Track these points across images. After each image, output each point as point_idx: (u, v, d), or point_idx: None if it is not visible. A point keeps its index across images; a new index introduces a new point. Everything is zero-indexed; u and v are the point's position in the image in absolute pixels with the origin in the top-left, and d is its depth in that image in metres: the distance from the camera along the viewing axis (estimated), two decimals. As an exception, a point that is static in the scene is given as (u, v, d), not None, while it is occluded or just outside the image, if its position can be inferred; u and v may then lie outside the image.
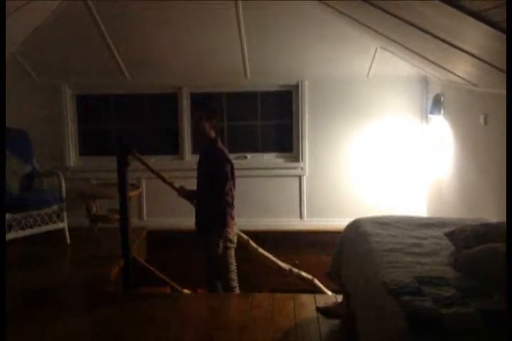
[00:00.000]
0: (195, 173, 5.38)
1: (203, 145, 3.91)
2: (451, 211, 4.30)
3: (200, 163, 3.87)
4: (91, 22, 4.49)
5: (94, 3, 4.34)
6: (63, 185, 4.67)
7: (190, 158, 5.40)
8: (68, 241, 4.69)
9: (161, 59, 4.95)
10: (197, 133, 4.03)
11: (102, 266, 3.98)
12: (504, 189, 3.30)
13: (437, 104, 4.54)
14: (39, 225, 4.54)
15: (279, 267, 4.38)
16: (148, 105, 5.49)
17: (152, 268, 4.30)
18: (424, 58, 4.07)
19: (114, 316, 3.32)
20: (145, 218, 5.35)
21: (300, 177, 5.29)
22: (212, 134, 3.69)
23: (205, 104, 4.10)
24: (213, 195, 3.64)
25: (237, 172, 5.31)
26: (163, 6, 4.33)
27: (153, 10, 4.38)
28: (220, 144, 3.73)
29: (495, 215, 3.34)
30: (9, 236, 4.32)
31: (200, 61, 4.99)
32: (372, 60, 4.87)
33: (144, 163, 4.23)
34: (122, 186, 4.10)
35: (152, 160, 4.93)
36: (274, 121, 5.48)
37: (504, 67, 2.75)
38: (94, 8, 4.38)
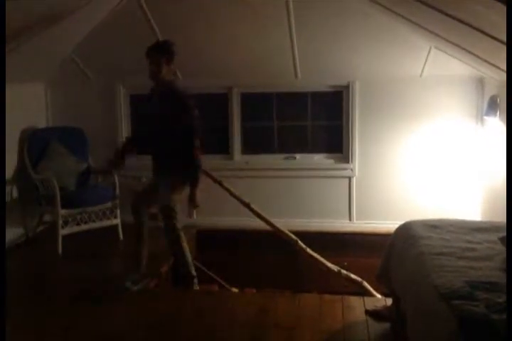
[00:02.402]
0: (244, 173, 5.48)
1: (156, 93, 3.75)
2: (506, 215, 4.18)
3: (151, 118, 3.74)
4: (145, 23, 4.59)
5: (149, 5, 4.44)
6: (117, 182, 4.80)
7: (240, 158, 5.45)
8: (121, 237, 4.81)
9: (212, 59, 5.01)
10: (154, 78, 3.67)
11: (153, 263, 4.06)
12: None
13: (493, 105, 4.42)
14: (93, 221, 4.68)
15: (328, 268, 4.36)
16: (199, 104, 5.54)
17: (201, 266, 4.36)
18: (480, 58, 3.98)
19: (163, 312, 3.39)
20: (195, 216, 5.42)
21: (350, 178, 5.25)
22: (172, 77, 3.74)
23: (162, 46, 3.69)
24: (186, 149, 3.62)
25: (286, 173, 5.38)
26: (215, 6, 4.38)
27: (205, 11, 4.45)
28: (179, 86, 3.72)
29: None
30: (64, 231, 4.49)
31: (251, 61, 5.02)
32: (426, 60, 4.78)
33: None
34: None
35: (203, 160, 4.98)
36: (324, 122, 5.46)
37: None
38: (148, 9, 4.48)
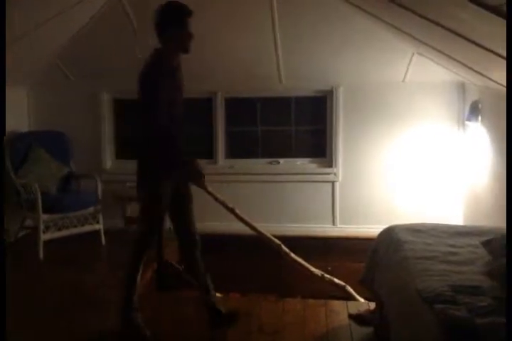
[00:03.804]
0: (228, 178, 5.46)
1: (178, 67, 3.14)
2: (488, 219, 4.23)
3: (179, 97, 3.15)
4: (129, 27, 4.57)
5: (132, 9, 4.42)
6: (99, 187, 4.76)
7: (224, 163, 5.44)
8: (103, 242, 4.77)
9: (196, 64, 4.97)
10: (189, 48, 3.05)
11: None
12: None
13: (475, 110, 4.47)
14: (75, 226, 4.64)
15: (311, 273, 4.36)
16: (185, 109, 5.54)
17: (184, 272, 4.33)
18: (462, 64, 4.02)
19: (146, 317, 3.36)
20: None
21: (333, 183, 5.27)
22: None
23: None
24: None
25: (270, 177, 5.38)
26: (200, 11, 4.36)
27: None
28: None
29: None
30: (46, 236, 4.44)
31: (235, 66, 5.02)
32: (408, 65, 4.83)
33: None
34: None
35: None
36: (307, 127, 5.48)
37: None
38: (131, 13, 4.46)
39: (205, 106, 5.45)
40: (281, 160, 5.43)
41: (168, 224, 4.75)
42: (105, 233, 4.77)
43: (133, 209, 5.11)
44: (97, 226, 4.75)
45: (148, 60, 2.96)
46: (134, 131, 3.35)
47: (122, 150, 5.60)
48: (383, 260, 3.07)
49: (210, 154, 5.50)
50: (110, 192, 4.99)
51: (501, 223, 3.75)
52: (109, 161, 5.53)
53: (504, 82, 3.61)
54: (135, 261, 3.10)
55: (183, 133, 3.12)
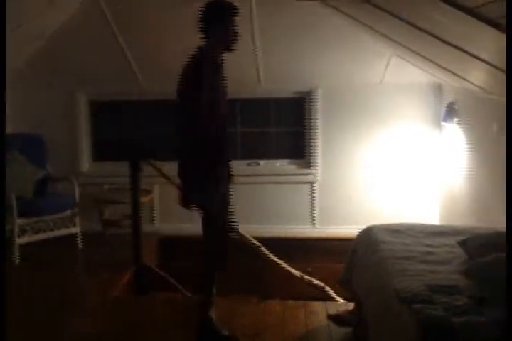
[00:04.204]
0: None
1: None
2: (464, 219, 4.27)
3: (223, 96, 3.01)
4: (106, 28, 4.53)
5: (110, 10, 4.38)
6: (76, 190, 4.71)
7: (203, 164, 5.41)
8: (80, 246, 4.71)
9: (174, 65, 4.96)
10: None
11: (114, 271, 3.99)
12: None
13: (451, 111, 4.52)
14: (52, 230, 4.57)
15: (291, 274, 4.37)
16: (161, 110, 5.51)
17: (163, 274, 4.30)
18: (438, 65, 4.06)
19: (125, 321, 3.33)
20: (157, 224, 5.36)
21: (312, 183, 5.28)
22: None
23: None
24: None
25: (249, 179, 5.37)
26: (178, 11, 4.36)
27: (168, 16, 4.42)
28: None
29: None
30: (22, 240, 4.36)
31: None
32: (386, 67, 4.86)
33: (157, 169, 4.26)
34: (134, 191, 4.12)
35: (166, 167, 4.94)
36: (287, 128, 5.48)
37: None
38: (109, 14, 4.42)
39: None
40: (261, 162, 5.42)
41: (146, 227, 4.74)
42: (82, 236, 4.71)
43: (110, 212, 5.07)
44: (73, 230, 4.69)
45: (191, 58, 2.89)
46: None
47: (99, 152, 5.55)
48: (362, 260, 3.08)
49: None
50: (87, 194, 4.94)
51: (476, 223, 3.81)
52: (86, 163, 5.47)
53: (481, 84, 3.66)
54: (212, 274, 3.12)
55: (227, 133, 3.01)
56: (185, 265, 4.89)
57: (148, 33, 4.63)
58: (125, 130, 5.58)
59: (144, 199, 4.57)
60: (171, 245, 5.09)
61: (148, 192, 5.05)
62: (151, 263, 4.45)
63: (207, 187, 2.88)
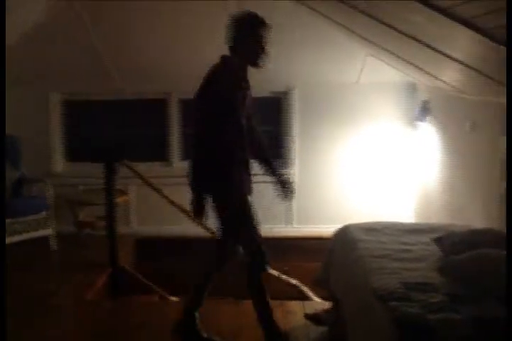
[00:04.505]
0: (184, 180, 5.38)
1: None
2: (438, 217, 4.32)
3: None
4: (80, 27, 4.47)
5: (84, 8, 4.33)
6: (50, 191, 4.64)
7: (180, 165, 5.38)
8: (55, 247, 4.65)
9: (150, 64, 4.93)
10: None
11: (89, 274, 3.94)
12: (489, 195, 3.32)
13: (424, 110, 4.57)
14: (27, 231, 4.50)
15: (268, 273, 4.35)
16: (137, 110, 5.48)
17: (139, 276, 4.27)
18: (412, 65, 4.10)
19: (100, 324, 3.29)
20: (133, 225, 5.31)
21: (289, 183, 5.28)
22: None
23: None
24: None
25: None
26: (154, 10, 4.32)
27: (143, 15, 4.38)
28: None
29: (481, 221, 3.36)
30: (-4, 242, 4.29)
31: (190, 67, 4.95)
32: (362, 66, 4.89)
33: (133, 170, 4.23)
34: (109, 193, 4.08)
35: (141, 167, 4.91)
36: (263, 128, 5.40)
37: (492, 74, 2.77)
38: (83, 13, 4.36)
39: (159, 107, 5.39)
40: (238, 162, 5.40)
41: (123, 228, 4.69)
42: (56, 238, 4.64)
43: (85, 214, 5.01)
44: (48, 231, 4.62)
45: (216, 68, 2.87)
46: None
47: (74, 153, 5.48)
48: (339, 259, 3.09)
49: (164, 156, 5.43)
50: (62, 196, 4.87)
51: (450, 220, 3.85)
52: (60, 164, 5.40)
53: (454, 83, 3.70)
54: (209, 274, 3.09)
55: (245, 145, 2.95)
56: (162, 266, 4.88)
57: (124, 32, 4.59)
58: (100, 130, 5.52)
59: (119, 201, 4.52)
60: (148, 246, 5.05)
61: (124, 193, 5.00)
62: (128, 265, 4.42)
63: (229, 187, 2.86)
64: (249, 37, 2.79)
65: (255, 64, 2.84)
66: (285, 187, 3.16)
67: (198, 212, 2.86)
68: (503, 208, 3.16)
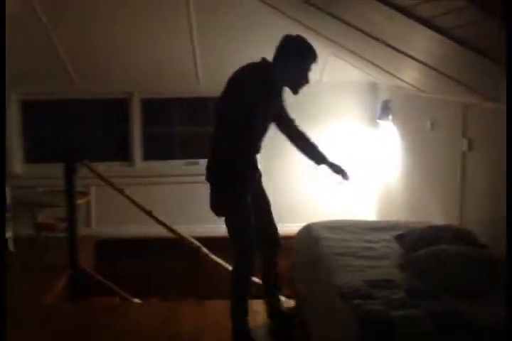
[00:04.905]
0: (146, 180, 5.36)
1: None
2: (400, 214, 4.38)
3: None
4: (38, 24, 4.37)
5: (41, 5, 4.23)
6: (9, 193, 4.52)
7: (141, 165, 5.32)
8: (13, 250, 4.53)
9: (111, 63, 4.86)
10: None
11: (48, 276, 3.85)
12: (449, 192, 3.39)
13: (386, 109, 4.62)
14: (-17, 234, 4.38)
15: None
16: (97, 110, 5.39)
17: (100, 278, 4.20)
18: (373, 64, 4.14)
19: (61, 328, 3.22)
20: (94, 226, 5.22)
21: (252, 182, 5.27)
22: None
23: None
24: None
25: (188, 179, 5.31)
26: (114, 9, 4.26)
27: (103, 12, 4.31)
28: None
29: (441, 218, 3.42)
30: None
31: (152, 67, 4.92)
32: (324, 65, 4.91)
33: (94, 171, 4.16)
34: (69, 194, 4.00)
35: (101, 167, 4.82)
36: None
37: (451, 73, 2.82)
38: (40, 10, 4.26)
39: (121, 106, 5.31)
40: (200, 161, 5.37)
41: (83, 230, 4.61)
42: (15, 240, 4.53)
43: (46, 215, 4.90)
44: (6, 234, 4.50)
45: (253, 71, 2.88)
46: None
47: (33, 154, 5.35)
48: (303, 257, 3.10)
49: (126, 156, 5.35)
50: (21, 198, 4.75)
51: (411, 217, 3.91)
52: (18, 165, 5.26)
53: (414, 82, 3.75)
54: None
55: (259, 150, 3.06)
56: (123, 267, 4.82)
57: (84, 31, 4.50)
58: (59, 131, 5.40)
59: (79, 202, 4.44)
60: (109, 247, 4.97)
61: (85, 194, 4.91)
62: (88, 266, 4.34)
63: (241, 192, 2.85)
64: (299, 67, 2.78)
65: (294, 90, 2.86)
66: (340, 170, 3.22)
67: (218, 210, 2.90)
68: (462, 205, 3.23)
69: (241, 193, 2.81)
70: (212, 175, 2.87)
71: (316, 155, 3.24)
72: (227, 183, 2.82)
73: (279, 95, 2.94)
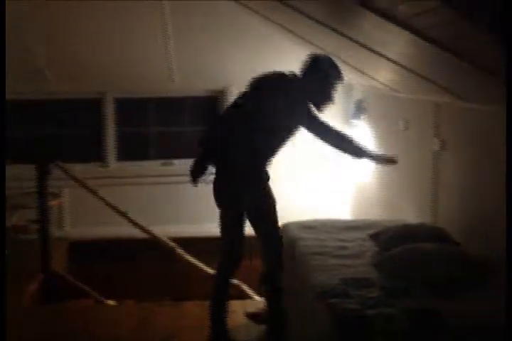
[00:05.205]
0: (121, 181, 5.29)
1: None
2: (374, 213, 4.41)
3: None
4: (8, 21, 4.28)
5: (16, 7, 4.16)
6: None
7: (116, 165, 5.26)
8: (-16, 254, 4.44)
9: (84, 63, 4.80)
10: None
11: (20, 280, 3.78)
12: (422, 191, 3.43)
13: (359, 109, 4.66)
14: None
15: (208, 274, 4.32)
16: (71, 110, 5.31)
17: (73, 280, 4.14)
18: (347, 64, 4.16)
19: (33, 333, 3.16)
20: (67, 228, 5.14)
21: (228, 183, 5.25)
22: None
23: None
24: None
25: (164, 179, 5.26)
26: (87, 7, 4.21)
27: (76, 9, 4.25)
28: None
29: (415, 216, 3.46)
30: None
31: (126, 66, 4.88)
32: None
33: (67, 172, 4.11)
34: (42, 195, 3.94)
35: (76, 169, 4.76)
36: (201, 127, 5.42)
37: (424, 73, 2.85)
38: (15, 11, 4.18)
39: (94, 106, 5.24)
40: (176, 161, 5.34)
41: (56, 231, 4.54)
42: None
43: (17, 217, 4.80)
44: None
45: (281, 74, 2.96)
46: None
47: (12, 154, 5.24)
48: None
49: (100, 157, 5.29)
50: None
51: (386, 216, 3.94)
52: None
53: (388, 82, 3.78)
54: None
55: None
56: (97, 269, 4.76)
57: (56, 31, 4.45)
58: (32, 131, 5.31)
59: (52, 203, 4.37)
60: (82, 249, 4.90)
61: (57, 195, 4.83)
62: (61, 269, 4.28)
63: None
64: (325, 87, 2.85)
65: (318, 107, 2.91)
66: (384, 159, 3.07)
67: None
68: (435, 203, 3.27)
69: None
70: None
71: (358, 152, 3.07)
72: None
73: (301, 109, 2.93)
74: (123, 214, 4.32)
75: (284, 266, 2.91)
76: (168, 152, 5.37)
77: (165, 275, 4.78)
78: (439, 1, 1.64)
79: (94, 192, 4.32)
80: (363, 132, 4.73)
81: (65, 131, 5.31)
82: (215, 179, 2.99)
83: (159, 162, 5.34)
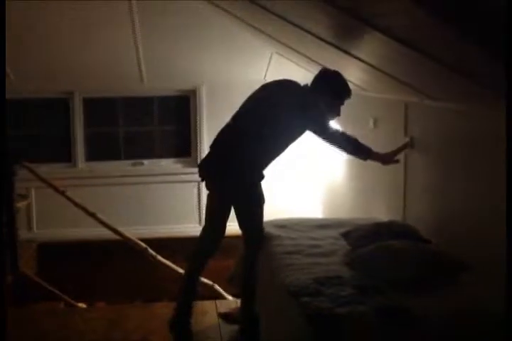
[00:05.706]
0: (90, 181, 5.22)
1: None
2: (346, 212, 4.44)
3: None
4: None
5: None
6: None
7: (84, 166, 5.19)
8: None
9: (50, 61, 4.72)
10: None
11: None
12: (392, 189, 3.46)
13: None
14: None
15: (179, 274, 4.29)
16: (36, 110, 5.21)
17: (42, 282, 4.07)
18: (317, 63, 4.18)
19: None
20: (35, 230, 5.05)
21: (199, 182, 5.22)
22: None
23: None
24: None
25: (134, 179, 5.21)
26: (54, 4, 4.13)
27: (44, 9, 4.17)
28: None
29: (385, 214, 3.49)
30: None
31: (94, 65, 4.80)
32: (268, 65, 4.93)
33: (34, 173, 4.03)
34: (9, 197, 3.86)
35: (43, 169, 4.68)
36: (171, 127, 5.39)
37: (394, 72, 2.88)
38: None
39: (62, 106, 5.16)
40: (145, 161, 5.29)
41: (23, 233, 4.45)
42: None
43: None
44: None
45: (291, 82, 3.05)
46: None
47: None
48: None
49: (68, 157, 5.20)
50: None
51: (357, 214, 3.97)
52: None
53: (357, 81, 3.81)
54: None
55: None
56: (67, 271, 4.69)
57: (21, 29, 4.34)
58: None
59: (19, 205, 4.29)
60: (51, 251, 4.82)
61: (24, 197, 4.74)
62: (30, 271, 4.20)
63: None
64: (332, 100, 2.99)
65: (325, 119, 3.02)
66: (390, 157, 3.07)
67: None
68: (405, 201, 3.30)
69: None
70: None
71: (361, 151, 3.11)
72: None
73: (308, 118, 2.98)
74: (92, 215, 4.27)
75: (257, 264, 2.91)
76: (138, 152, 5.32)
77: (136, 277, 4.74)
78: (411, 2, 1.65)
79: (61, 193, 4.25)
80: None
81: (32, 131, 5.21)
82: (213, 166, 3.05)
83: (129, 162, 5.28)
